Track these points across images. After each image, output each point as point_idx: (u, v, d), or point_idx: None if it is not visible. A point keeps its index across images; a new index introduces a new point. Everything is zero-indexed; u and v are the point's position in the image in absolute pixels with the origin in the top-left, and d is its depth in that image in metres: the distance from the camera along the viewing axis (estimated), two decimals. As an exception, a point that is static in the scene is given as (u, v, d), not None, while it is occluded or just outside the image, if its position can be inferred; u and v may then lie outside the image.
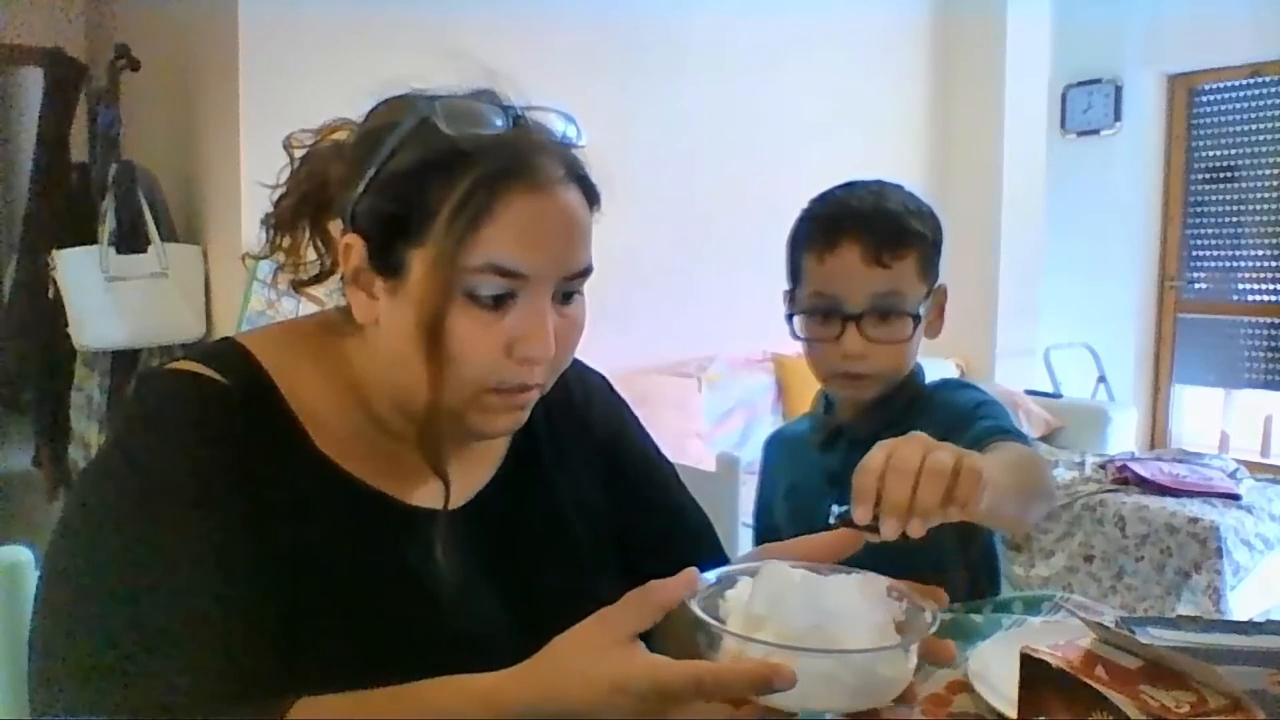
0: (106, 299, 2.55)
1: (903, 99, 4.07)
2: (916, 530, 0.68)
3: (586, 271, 0.77)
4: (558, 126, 0.78)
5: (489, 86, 0.77)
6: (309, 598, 0.72)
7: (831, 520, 0.73)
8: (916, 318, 1.15)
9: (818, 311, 1.17)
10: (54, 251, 2.57)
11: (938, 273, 1.20)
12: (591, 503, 0.92)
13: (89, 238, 2.63)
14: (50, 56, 2.89)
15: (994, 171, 4.07)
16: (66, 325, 2.57)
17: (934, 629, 0.63)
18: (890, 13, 4.01)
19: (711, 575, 0.68)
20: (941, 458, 0.70)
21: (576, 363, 0.89)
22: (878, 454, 0.71)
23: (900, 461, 0.70)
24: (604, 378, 1.01)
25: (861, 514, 0.69)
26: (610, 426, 0.98)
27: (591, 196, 0.78)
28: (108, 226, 2.57)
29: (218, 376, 0.75)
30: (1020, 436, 1.06)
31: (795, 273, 1.21)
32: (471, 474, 0.85)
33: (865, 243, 1.13)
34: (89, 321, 2.55)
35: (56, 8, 3.37)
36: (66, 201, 2.83)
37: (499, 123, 0.74)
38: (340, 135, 0.81)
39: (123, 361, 2.67)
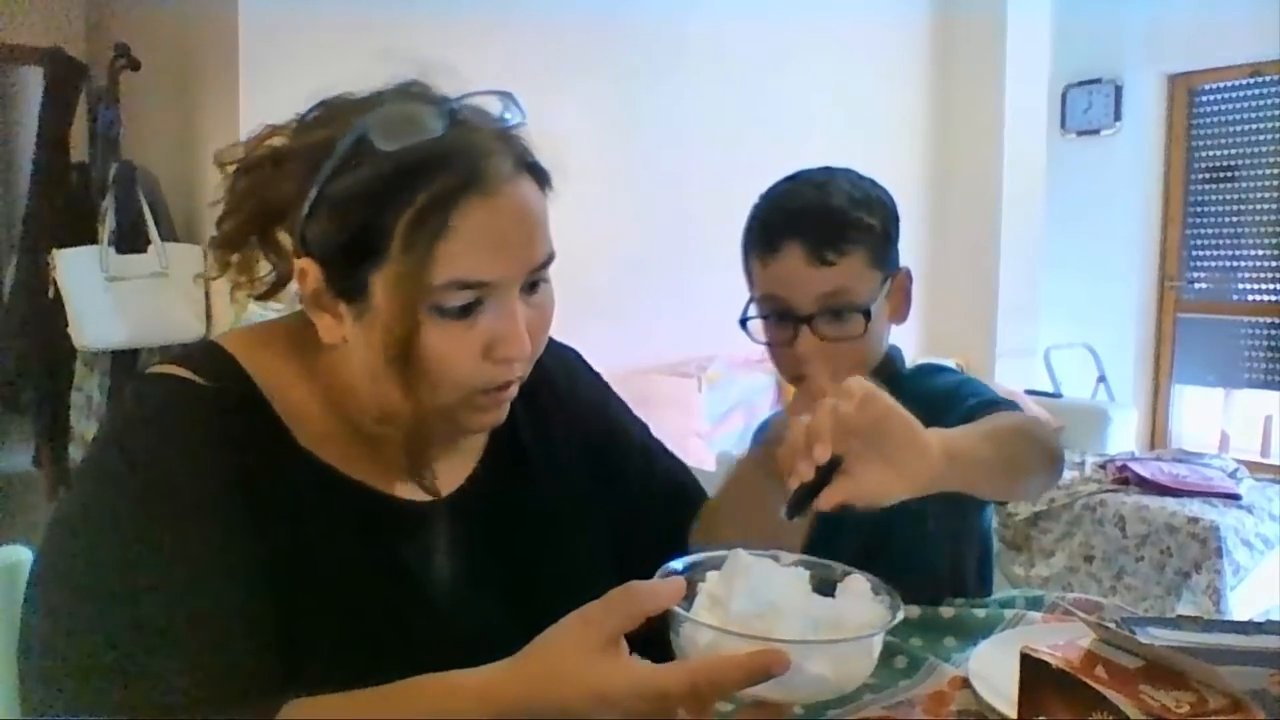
0: (106, 299, 2.55)
1: (903, 99, 4.06)
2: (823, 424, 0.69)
3: (549, 260, 0.76)
4: (495, 109, 0.76)
5: (416, 79, 0.75)
6: (304, 594, 0.72)
7: (786, 516, 0.72)
8: (868, 313, 1.09)
9: (769, 316, 1.13)
10: (54, 251, 2.57)
11: (895, 259, 1.14)
12: (577, 483, 0.92)
13: (89, 238, 2.63)
14: (50, 56, 2.89)
15: (994, 171, 4.07)
16: (66, 325, 2.57)
17: (898, 619, 0.63)
18: (890, 13, 4.00)
19: (678, 564, 0.68)
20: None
21: (550, 342, 0.87)
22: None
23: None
24: (577, 353, 1.01)
25: (802, 468, 0.70)
26: (593, 401, 0.99)
27: (542, 180, 0.77)
28: (108, 226, 2.57)
29: (202, 380, 0.75)
30: (1009, 405, 1.03)
31: (748, 275, 1.18)
32: (455, 466, 0.85)
33: (806, 244, 1.08)
34: (89, 321, 2.55)
35: (56, 8, 3.37)
36: (66, 201, 2.83)
37: (437, 125, 0.71)
38: (276, 141, 0.78)
39: (123, 361, 2.66)
